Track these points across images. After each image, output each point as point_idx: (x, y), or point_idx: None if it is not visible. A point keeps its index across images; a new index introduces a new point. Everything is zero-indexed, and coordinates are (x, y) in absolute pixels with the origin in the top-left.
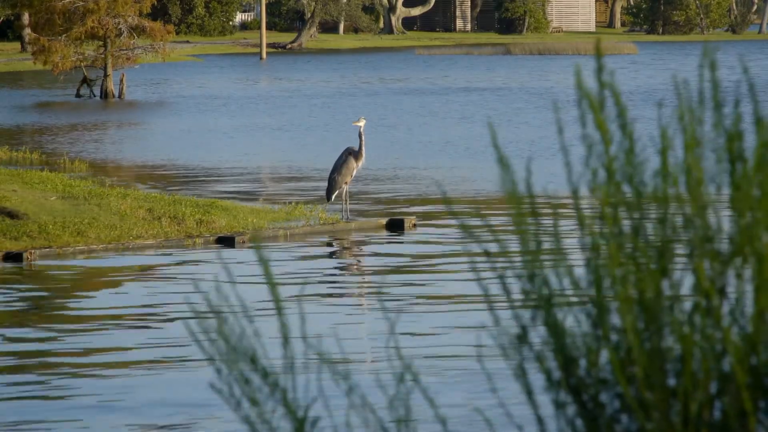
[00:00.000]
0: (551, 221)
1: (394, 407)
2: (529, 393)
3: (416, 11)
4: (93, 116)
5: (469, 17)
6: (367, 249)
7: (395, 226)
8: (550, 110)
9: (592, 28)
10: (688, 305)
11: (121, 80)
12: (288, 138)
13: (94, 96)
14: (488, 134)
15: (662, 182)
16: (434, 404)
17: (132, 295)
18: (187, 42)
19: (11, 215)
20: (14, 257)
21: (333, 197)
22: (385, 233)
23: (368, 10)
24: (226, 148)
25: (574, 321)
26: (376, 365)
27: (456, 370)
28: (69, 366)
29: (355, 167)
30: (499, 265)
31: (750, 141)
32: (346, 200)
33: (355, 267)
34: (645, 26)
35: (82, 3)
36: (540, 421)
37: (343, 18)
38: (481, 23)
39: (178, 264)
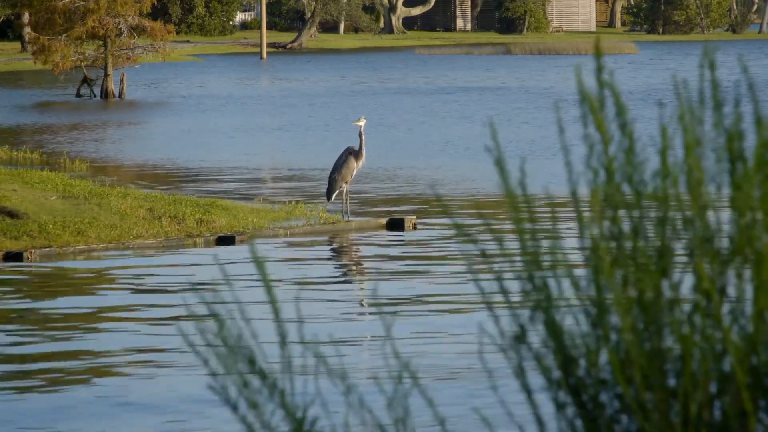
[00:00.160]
0: (550, 221)
1: (393, 407)
2: (528, 393)
3: (416, 11)
4: (93, 116)
5: (470, 17)
6: (367, 249)
7: (395, 226)
8: (549, 110)
9: (593, 28)
10: (687, 305)
11: (122, 80)
12: (288, 138)
13: (95, 96)
14: (488, 134)
15: (662, 182)
16: (433, 404)
17: (132, 295)
18: (188, 42)
19: (11, 215)
20: (14, 257)
21: (333, 197)
22: (385, 233)
23: (368, 9)
24: (226, 148)
25: (573, 321)
26: (376, 365)
27: (456, 370)
28: (69, 366)
29: (355, 167)
30: (497, 265)
31: (750, 141)
32: (346, 200)
33: (355, 267)
34: (645, 26)
35: (82, 3)
36: (540, 421)
37: (343, 18)
38: (482, 23)
39: (178, 264)
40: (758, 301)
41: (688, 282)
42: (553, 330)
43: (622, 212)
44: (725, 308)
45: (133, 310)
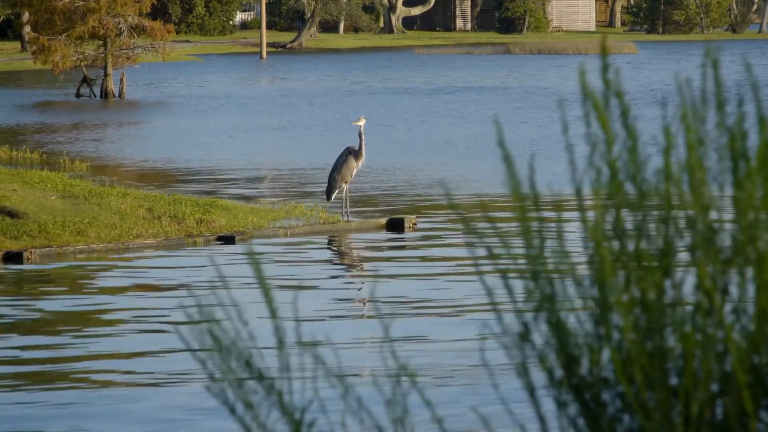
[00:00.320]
0: (555, 220)
1: (391, 407)
2: (531, 391)
3: (416, 11)
4: (93, 116)
5: (469, 17)
6: (367, 249)
7: (395, 226)
8: (549, 109)
9: (592, 28)
10: (689, 305)
11: (121, 80)
12: (288, 138)
13: (94, 95)
14: (488, 133)
15: (665, 182)
16: (432, 404)
17: (132, 295)
18: (187, 41)
19: (11, 214)
20: (14, 257)
21: (333, 197)
22: (385, 233)
23: (368, 9)
24: (226, 148)
25: (576, 320)
26: (375, 365)
27: (456, 369)
28: (69, 366)
29: (355, 167)
30: (501, 265)
31: (753, 140)
32: (346, 200)
33: (355, 267)
34: (645, 26)
35: (82, 2)
36: (542, 419)
37: (343, 17)
38: (482, 23)
39: (178, 264)
40: (760, 301)
41: (690, 281)
42: (557, 329)
43: (624, 212)
44: (727, 308)
45: (133, 310)
